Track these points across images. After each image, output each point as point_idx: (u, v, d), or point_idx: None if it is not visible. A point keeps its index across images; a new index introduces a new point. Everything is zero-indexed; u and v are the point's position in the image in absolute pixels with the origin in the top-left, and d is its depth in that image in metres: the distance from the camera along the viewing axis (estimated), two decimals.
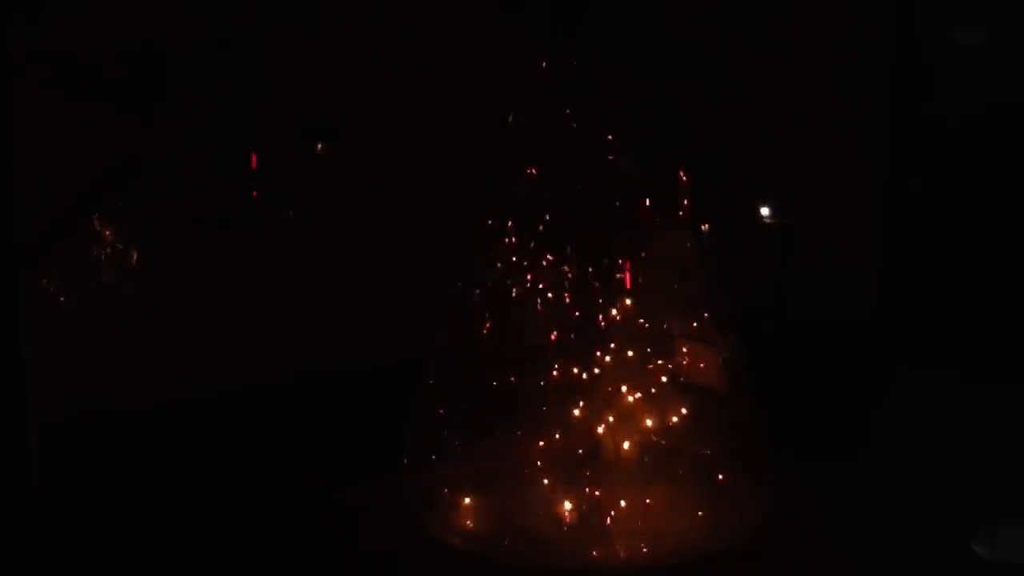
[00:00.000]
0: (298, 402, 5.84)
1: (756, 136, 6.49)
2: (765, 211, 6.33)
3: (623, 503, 4.48)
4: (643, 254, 4.65)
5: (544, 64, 4.66)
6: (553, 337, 4.61)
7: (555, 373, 4.58)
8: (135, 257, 5.74)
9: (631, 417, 4.54)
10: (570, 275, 4.62)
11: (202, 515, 4.86)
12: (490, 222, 4.73)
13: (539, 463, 4.52)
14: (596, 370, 4.57)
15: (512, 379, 4.59)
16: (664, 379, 4.62)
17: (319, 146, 5.81)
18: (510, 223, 4.69)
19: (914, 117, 6.43)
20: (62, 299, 5.58)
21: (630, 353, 4.59)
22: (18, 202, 4.63)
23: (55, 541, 4.61)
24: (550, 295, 4.62)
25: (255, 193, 5.90)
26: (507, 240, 4.68)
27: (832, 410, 5.62)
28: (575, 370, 4.56)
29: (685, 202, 4.76)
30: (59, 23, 5.00)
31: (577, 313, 4.61)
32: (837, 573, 4.46)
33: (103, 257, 5.69)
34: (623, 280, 4.62)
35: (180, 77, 5.42)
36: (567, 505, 4.48)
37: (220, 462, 5.30)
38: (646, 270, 4.64)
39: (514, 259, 4.68)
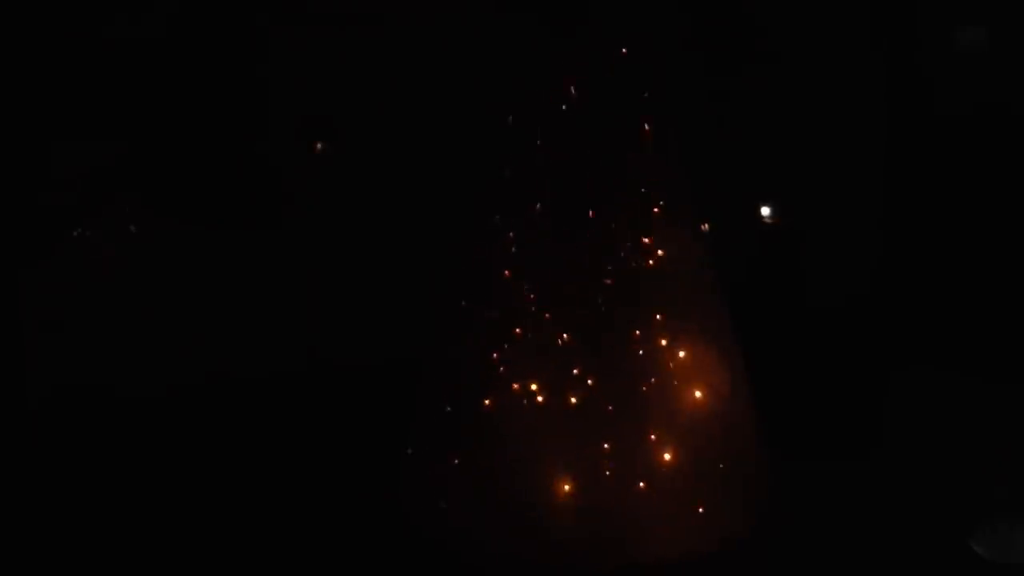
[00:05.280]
0: (298, 400, 5.84)
1: (755, 134, 6.48)
2: (766, 211, 6.33)
3: (622, 502, 4.47)
4: (645, 252, 4.64)
5: (545, 60, 4.67)
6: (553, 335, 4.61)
7: (554, 372, 4.57)
8: (134, 253, 5.74)
9: (630, 416, 4.53)
10: (573, 273, 4.61)
11: (199, 513, 4.86)
12: (493, 220, 4.73)
13: (538, 462, 4.51)
14: (596, 369, 4.56)
15: (512, 378, 4.59)
16: (664, 378, 4.61)
17: (319, 146, 5.81)
18: (516, 223, 4.69)
19: (913, 114, 6.43)
20: (63, 295, 5.58)
21: (630, 352, 4.58)
22: (19, 200, 4.64)
23: (52, 534, 4.63)
24: (552, 293, 4.62)
25: (255, 191, 5.89)
26: (510, 237, 4.67)
27: (832, 409, 5.61)
28: (575, 369, 4.56)
29: (687, 200, 4.76)
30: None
31: (578, 311, 4.60)
32: (837, 573, 4.46)
33: (103, 253, 5.70)
34: (625, 279, 4.62)
35: (183, 76, 5.42)
36: (566, 504, 4.47)
37: (218, 460, 5.30)
38: (648, 269, 4.63)
39: (517, 257, 4.67)
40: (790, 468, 4.90)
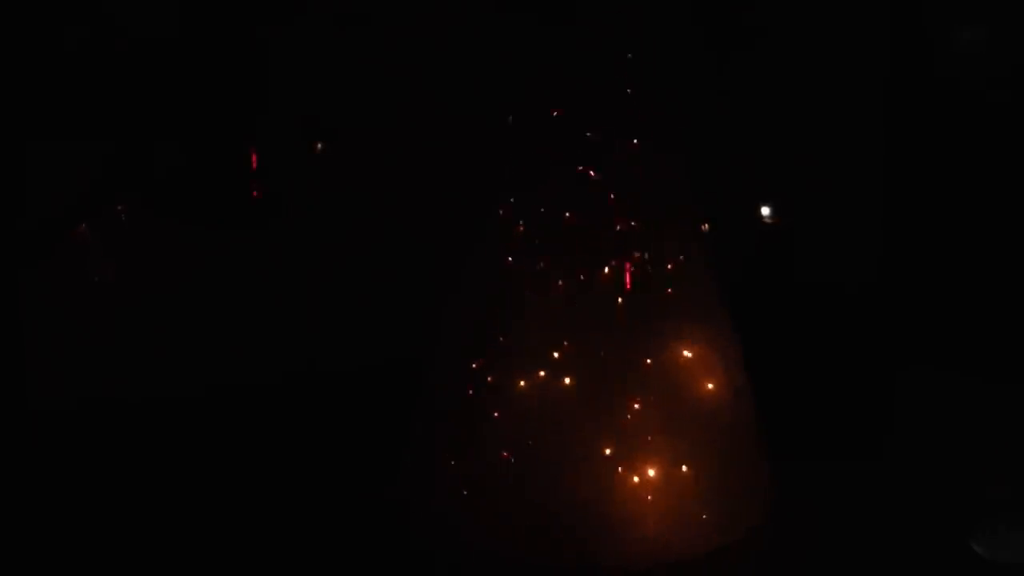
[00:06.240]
0: (296, 402, 5.84)
1: (755, 134, 6.48)
2: (765, 210, 6.34)
3: (622, 503, 4.47)
4: (645, 253, 4.64)
5: (542, 60, 4.67)
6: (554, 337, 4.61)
7: (554, 373, 4.57)
8: (132, 254, 5.74)
9: (629, 416, 4.53)
10: (572, 274, 4.61)
11: (199, 515, 4.86)
12: (492, 221, 4.73)
13: (538, 463, 4.51)
14: (595, 369, 4.56)
15: (511, 379, 4.58)
16: (663, 378, 4.61)
17: (319, 146, 5.81)
18: (515, 223, 4.68)
19: (915, 114, 6.43)
20: (62, 297, 5.58)
21: (629, 352, 4.58)
22: (19, 201, 4.64)
23: (52, 536, 4.63)
24: (551, 294, 4.62)
25: (255, 191, 5.89)
26: (513, 238, 4.67)
27: (832, 409, 5.61)
28: (574, 370, 4.55)
29: (687, 200, 4.76)
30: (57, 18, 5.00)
31: (577, 313, 4.60)
32: (836, 573, 4.46)
33: (101, 254, 5.70)
34: (626, 280, 4.62)
35: (182, 75, 5.42)
36: (566, 504, 4.47)
37: (217, 462, 5.30)
38: (647, 270, 4.63)
39: (515, 258, 4.67)
40: (790, 468, 4.90)
